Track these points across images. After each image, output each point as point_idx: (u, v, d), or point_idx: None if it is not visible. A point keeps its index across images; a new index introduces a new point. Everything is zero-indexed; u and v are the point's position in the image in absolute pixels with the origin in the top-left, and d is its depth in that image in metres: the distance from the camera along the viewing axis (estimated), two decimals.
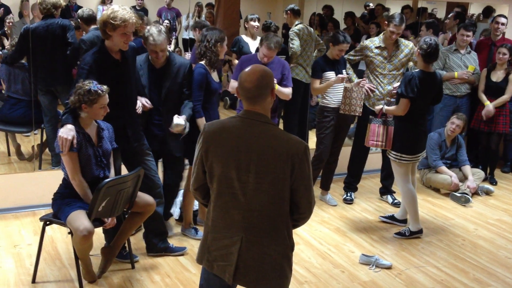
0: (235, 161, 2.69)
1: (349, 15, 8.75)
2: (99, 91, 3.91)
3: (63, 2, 5.91)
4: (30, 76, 5.91)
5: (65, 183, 4.13)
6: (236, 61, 6.27)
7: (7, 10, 6.86)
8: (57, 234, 5.05)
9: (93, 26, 5.91)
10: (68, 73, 5.98)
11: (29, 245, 4.85)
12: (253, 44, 6.67)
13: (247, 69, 2.77)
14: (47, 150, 6.26)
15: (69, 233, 4.03)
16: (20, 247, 4.84)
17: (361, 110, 5.77)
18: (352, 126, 6.69)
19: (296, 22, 6.89)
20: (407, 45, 5.94)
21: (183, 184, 5.18)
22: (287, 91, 5.44)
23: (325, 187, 6.27)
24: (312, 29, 7.07)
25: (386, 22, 5.85)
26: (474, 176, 6.74)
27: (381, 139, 5.37)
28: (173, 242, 4.91)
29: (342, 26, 8.64)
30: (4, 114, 6.15)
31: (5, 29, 6.77)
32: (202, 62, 4.87)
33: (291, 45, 6.68)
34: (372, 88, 5.87)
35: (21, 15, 6.86)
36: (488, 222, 5.99)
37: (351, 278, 4.62)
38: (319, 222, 5.69)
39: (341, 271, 4.73)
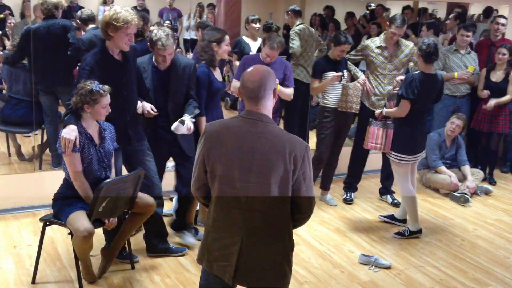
0: (237, 161, 2.70)
1: (350, 16, 8.76)
2: (101, 91, 3.93)
3: (65, 3, 5.92)
4: (31, 77, 5.93)
5: (66, 183, 4.14)
6: (237, 62, 6.28)
7: (10, 12, 6.87)
8: (57, 235, 5.06)
9: (91, 26, 5.94)
10: (69, 73, 5.99)
11: (29, 246, 4.86)
12: (254, 45, 6.69)
13: (249, 69, 2.79)
14: (47, 150, 6.26)
15: (69, 233, 4.04)
16: (20, 247, 4.85)
17: (357, 107, 5.78)
18: (352, 126, 6.70)
19: (297, 23, 6.91)
20: (408, 45, 5.95)
21: None
22: (289, 91, 5.46)
23: (325, 187, 6.28)
24: (313, 29, 7.08)
25: (388, 23, 5.86)
26: (473, 176, 6.75)
27: (380, 142, 5.36)
28: (172, 242, 4.92)
29: (343, 26, 8.65)
30: (5, 114, 6.16)
31: (6, 29, 6.79)
32: (203, 62, 4.91)
33: (291, 45, 6.70)
34: (371, 90, 5.86)
35: (22, 15, 6.88)
36: (487, 222, 5.99)
37: (351, 278, 4.63)
38: (319, 222, 5.70)
39: (340, 271, 4.74)
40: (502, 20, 7.37)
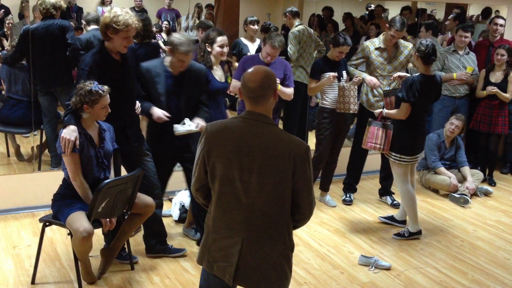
0: (237, 161, 2.70)
1: (349, 16, 8.76)
2: (100, 91, 3.92)
3: (64, 4, 5.91)
4: (30, 77, 5.92)
5: (65, 183, 4.13)
6: (236, 64, 6.28)
7: (7, 11, 6.86)
8: (57, 235, 5.05)
9: (92, 27, 5.94)
10: (68, 74, 5.99)
11: (29, 246, 4.86)
12: (252, 47, 6.69)
13: (250, 70, 2.79)
14: (46, 151, 6.26)
15: (68, 234, 4.03)
16: (20, 248, 4.84)
17: (355, 107, 5.78)
18: (351, 127, 6.70)
19: (296, 23, 6.90)
20: (406, 46, 5.96)
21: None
22: (289, 91, 5.46)
23: (325, 188, 6.28)
24: (312, 30, 7.08)
25: (387, 25, 5.86)
26: (473, 177, 6.75)
27: (379, 142, 5.35)
28: (173, 243, 4.91)
29: (341, 27, 8.65)
30: (4, 115, 6.15)
31: (5, 30, 6.78)
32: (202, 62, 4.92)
33: (288, 49, 6.70)
34: (372, 82, 5.83)
35: (21, 16, 6.87)
36: (487, 223, 5.99)
37: (350, 279, 4.62)
38: (319, 223, 5.69)
39: (340, 272, 4.74)
40: (500, 21, 7.38)
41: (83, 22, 6.15)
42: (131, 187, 4.14)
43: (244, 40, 6.77)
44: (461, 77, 6.96)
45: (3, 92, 6.45)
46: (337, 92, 5.75)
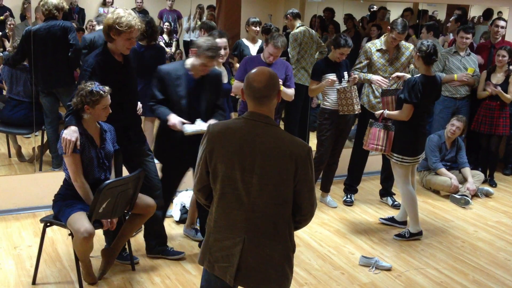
0: (239, 162, 2.70)
1: (350, 18, 8.76)
2: (101, 92, 3.93)
3: (66, 5, 5.92)
4: (32, 78, 5.93)
5: (66, 184, 4.14)
6: (237, 65, 6.28)
7: (9, 13, 6.87)
8: (58, 236, 5.06)
9: (100, 27, 5.97)
10: (70, 75, 5.99)
11: (30, 247, 4.86)
12: (253, 48, 6.69)
13: (254, 70, 2.79)
14: (47, 151, 6.27)
15: (69, 234, 4.03)
16: (21, 248, 4.85)
17: (359, 107, 5.79)
18: (352, 128, 6.70)
19: (298, 25, 6.91)
20: (408, 47, 5.96)
21: None
22: (290, 92, 5.48)
23: (325, 189, 6.28)
24: (314, 31, 7.09)
25: (389, 27, 5.86)
26: (473, 178, 6.75)
27: (381, 143, 5.33)
28: (173, 243, 4.92)
29: (343, 28, 8.65)
30: (5, 115, 6.16)
31: (6, 31, 6.79)
32: None
33: (288, 50, 6.71)
34: (380, 81, 5.81)
35: (22, 17, 6.88)
36: (488, 224, 5.99)
37: (351, 280, 4.63)
38: (319, 224, 5.70)
39: (341, 273, 4.74)
40: (501, 23, 7.38)
41: (94, 22, 6.17)
42: (132, 188, 4.14)
43: (245, 41, 6.78)
44: (462, 78, 6.96)
45: (5, 93, 6.46)
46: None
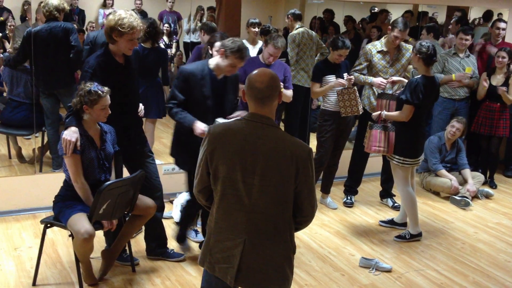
0: (240, 163, 2.70)
1: (350, 19, 8.77)
2: (100, 91, 3.92)
3: (67, 6, 5.93)
4: (32, 79, 5.93)
5: (67, 185, 4.14)
6: None
7: (9, 14, 6.88)
8: (58, 237, 5.06)
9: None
10: (71, 76, 6.01)
11: (30, 248, 4.86)
12: (253, 49, 6.68)
13: (255, 72, 2.79)
14: (48, 153, 6.27)
15: (69, 235, 4.03)
16: (21, 249, 4.85)
17: (361, 107, 5.79)
18: (352, 129, 6.70)
19: (297, 26, 6.92)
20: (408, 49, 5.95)
21: None
22: (289, 93, 5.51)
23: (326, 190, 6.28)
24: (314, 32, 7.09)
25: (389, 27, 5.86)
26: (474, 179, 6.75)
27: (383, 145, 5.31)
28: (173, 244, 4.92)
29: (343, 29, 8.66)
30: (6, 117, 6.17)
31: (7, 32, 6.79)
32: None
33: (288, 51, 6.71)
34: (380, 83, 5.81)
35: (23, 18, 6.88)
36: (488, 225, 6.00)
37: (351, 281, 4.63)
38: (320, 225, 5.70)
39: (341, 274, 4.74)
40: (502, 25, 7.39)
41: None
42: (132, 189, 4.14)
43: (245, 43, 6.76)
44: (460, 78, 6.96)
45: (5, 94, 6.46)
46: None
